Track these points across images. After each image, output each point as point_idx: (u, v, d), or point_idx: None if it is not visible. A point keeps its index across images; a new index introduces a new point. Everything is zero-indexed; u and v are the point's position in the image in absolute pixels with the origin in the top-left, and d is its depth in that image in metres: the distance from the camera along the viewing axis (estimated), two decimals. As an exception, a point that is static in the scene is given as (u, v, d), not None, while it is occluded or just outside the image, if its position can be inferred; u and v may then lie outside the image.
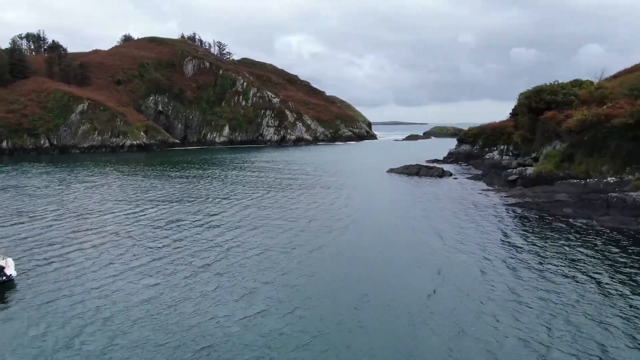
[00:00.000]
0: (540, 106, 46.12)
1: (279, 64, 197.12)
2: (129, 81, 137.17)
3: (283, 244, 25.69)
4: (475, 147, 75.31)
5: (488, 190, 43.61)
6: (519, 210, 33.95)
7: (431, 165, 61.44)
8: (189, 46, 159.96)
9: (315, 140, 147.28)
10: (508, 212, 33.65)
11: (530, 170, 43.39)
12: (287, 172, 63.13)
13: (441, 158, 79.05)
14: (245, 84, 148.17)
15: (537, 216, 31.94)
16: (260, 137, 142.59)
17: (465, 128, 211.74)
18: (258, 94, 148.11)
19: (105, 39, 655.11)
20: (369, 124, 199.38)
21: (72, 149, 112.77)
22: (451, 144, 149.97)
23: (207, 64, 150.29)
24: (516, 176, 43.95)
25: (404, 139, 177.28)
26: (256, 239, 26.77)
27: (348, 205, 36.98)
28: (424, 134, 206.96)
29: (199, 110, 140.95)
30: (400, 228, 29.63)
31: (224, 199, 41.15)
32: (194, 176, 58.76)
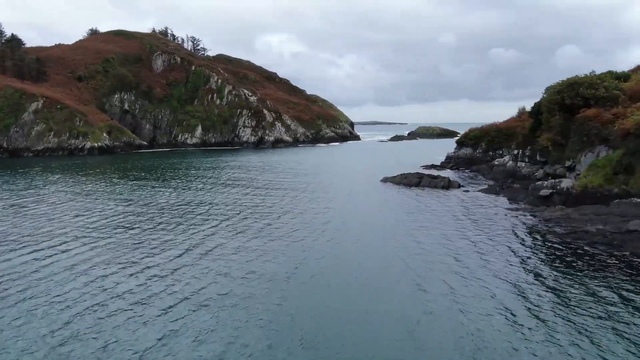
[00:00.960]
0: (576, 103, 37.10)
1: (259, 63, 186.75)
2: (92, 77, 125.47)
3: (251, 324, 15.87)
4: (477, 151, 66.40)
5: (516, 210, 34.32)
6: (578, 246, 24.64)
7: (434, 174, 52.05)
8: (158, 40, 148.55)
9: (296, 142, 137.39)
10: (565, 250, 24.30)
11: (568, 184, 34.26)
12: (261, 183, 53.25)
13: (438, 163, 69.98)
14: (219, 81, 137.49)
15: (614, 258, 22.58)
16: (236, 139, 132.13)
17: (448, 128, 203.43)
18: (234, 92, 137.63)
19: (78, 37, 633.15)
20: (352, 124, 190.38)
21: (24, 152, 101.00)
22: (440, 145, 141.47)
23: (178, 59, 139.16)
24: (550, 191, 34.75)
25: (389, 140, 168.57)
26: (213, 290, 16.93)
27: (341, 241, 27.25)
28: (409, 134, 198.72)
29: (169, 109, 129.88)
30: (420, 278, 20.07)
31: (178, 226, 31.11)
32: (152, 189, 48.46)
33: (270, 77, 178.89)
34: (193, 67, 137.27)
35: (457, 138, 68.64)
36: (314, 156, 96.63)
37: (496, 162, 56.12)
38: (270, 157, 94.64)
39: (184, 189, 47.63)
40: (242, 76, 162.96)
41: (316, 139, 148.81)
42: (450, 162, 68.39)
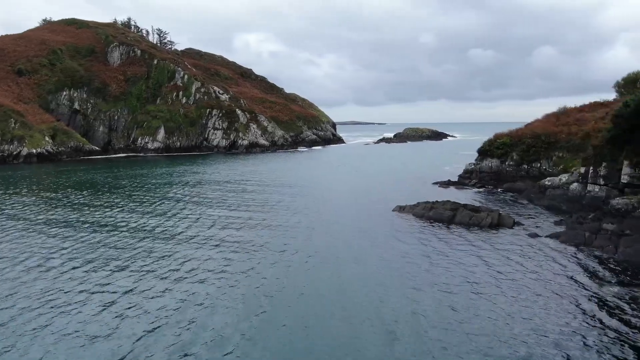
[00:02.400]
0: None
1: (237, 62, 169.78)
2: (35, 71, 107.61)
3: None
4: (507, 163, 51.73)
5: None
6: None
7: (461, 197, 37.04)
8: (116, 30, 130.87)
9: (273, 146, 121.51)
10: None
11: None
12: (220, 221, 37.57)
13: (455, 177, 55.22)
14: (186, 76, 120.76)
15: None
16: (204, 142, 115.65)
17: (428, 128, 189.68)
18: (202, 90, 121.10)
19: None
20: (334, 125, 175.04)
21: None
22: (439, 150, 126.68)
23: (138, 52, 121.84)
24: None
25: (376, 143, 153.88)
26: None
27: None
28: (396, 136, 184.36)
29: (127, 108, 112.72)
30: None
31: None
32: (79, 225, 32.35)
33: (245, 74, 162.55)
34: (155, 61, 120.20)
35: (480, 147, 54.11)
36: (294, 166, 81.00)
37: (547, 182, 41.32)
38: (242, 166, 78.68)
39: (108, 232, 31.64)
40: (213, 72, 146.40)
41: (296, 142, 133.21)
42: (471, 176, 53.58)
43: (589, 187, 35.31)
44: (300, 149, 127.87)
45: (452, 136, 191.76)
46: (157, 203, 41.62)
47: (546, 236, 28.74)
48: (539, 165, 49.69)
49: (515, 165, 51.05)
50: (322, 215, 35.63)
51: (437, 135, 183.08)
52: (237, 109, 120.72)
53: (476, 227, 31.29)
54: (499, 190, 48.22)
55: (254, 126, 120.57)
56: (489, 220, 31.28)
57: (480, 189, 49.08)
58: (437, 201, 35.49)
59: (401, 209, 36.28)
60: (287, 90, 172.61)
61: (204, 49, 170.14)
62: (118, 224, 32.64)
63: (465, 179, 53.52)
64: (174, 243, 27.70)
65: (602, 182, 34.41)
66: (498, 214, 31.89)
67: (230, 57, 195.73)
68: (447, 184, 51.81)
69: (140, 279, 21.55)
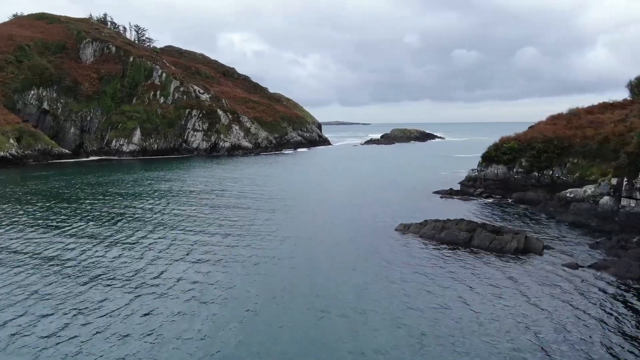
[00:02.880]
0: None
1: (221, 61, 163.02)
2: (0, 69, 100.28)
3: None
4: (515, 170, 46.83)
5: None
6: None
7: (487, 223, 32.00)
8: (89, 26, 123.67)
9: (257, 148, 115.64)
10: None
11: None
12: (196, 236, 31.99)
13: (457, 185, 50.20)
14: (164, 75, 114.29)
15: None
16: (184, 145, 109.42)
17: (415, 129, 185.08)
18: (182, 89, 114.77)
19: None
20: (319, 126, 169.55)
21: None
22: (432, 152, 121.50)
23: (113, 49, 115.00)
24: None
25: (363, 144, 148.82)
26: None
27: None
28: (383, 137, 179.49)
29: (100, 109, 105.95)
30: None
31: None
32: (12, 259, 26.41)
33: (227, 73, 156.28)
34: (132, 59, 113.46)
35: (485, 152, 49.18)
36: (279, 171, 75.40)
37: (569, 194, 36.36)
38: (222, 171, 72.81)
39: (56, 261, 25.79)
40: (194, 71, 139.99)
41: (281, 144, 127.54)
42: (475, 184, 48.57)
43: (624, 202, 30.39)
44: (285, 151, 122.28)
45: (439, 137, 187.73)
46: (121, 223, 35.73)
47: (589, 267, 23.65)
48: (551, 172, 44.87)
49: (524, 173, 46.15)
50: (316, 239, 30.13)
51: (425, 137, 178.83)
52: (218, 110, 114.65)
53: (499, 253, 26.13)
54: (509, 201, 43.29)
55: (236, 127, 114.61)
56: (514, 245, 26.13)
57: (488, 200, 44.07)
58: (448, 220, 30.23)
59: (405, 227, 30.97)
60: (272, 90, 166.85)
61: (186, 48, 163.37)
62: (64, 260, 26.59)
63: (468, 188, 48.49)
64: (128, 291, 21.85)
65: (639, 195, 29.51)
66: (525, 236, 26.72)
67: (214, 57, 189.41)
68: (449, 193, 46.73)
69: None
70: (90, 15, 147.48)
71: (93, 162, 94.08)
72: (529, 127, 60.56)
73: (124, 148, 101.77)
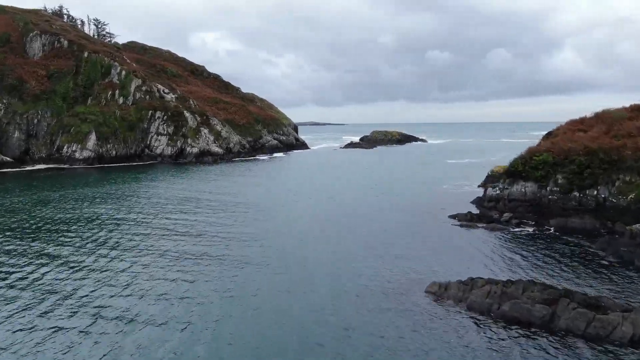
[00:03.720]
0: None
1: (194, 61, 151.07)
2: None
3: None
4: (549, 189, 37.74)
5: None
6: None
7: (575, 290, 22.47)
8: (39, 17, 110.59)
9: (228, 153, 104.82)
10: None
11: None
12: (138, 304, 21.61)
13: (469, 205, 40.97)
14: (123, 72, 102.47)
15: None
16: (146, 150, 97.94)
17: (397, 131, 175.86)
18: (144, 88, 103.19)
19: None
20: (296, 128, 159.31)
21: None
22: (414, 155, 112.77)
23: (65, 43, 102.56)
24: None
25: (343, 148, 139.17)
26: None
27: None
28: (363, 139, 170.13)
29: (49, 110, 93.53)
30: None
31: None
32: None
33: (196, 71, 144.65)
34: (86, 54, 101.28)
35: (509, 165, 40.15)
36: (253, 187, 65.13)
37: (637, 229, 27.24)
38: (187, 185, 62.06)
39: None
40: (159, 69, 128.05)
41: (255, 149, 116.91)
42: (498, 206, 39.34)
43: None
44: (260, 156, 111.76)
45: (421, 139, 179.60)
46: (47, 271, 25.09)
47: None
48: (595, 192, 35.91)
49: (561, 193, 37.10)
50: (309, 320, 20.17)
51: (406, 139, 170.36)
52: (185, 111, 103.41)
53: (602, 342, 16.67)
54: (550, 230, 34.07)
55: (206, 131, 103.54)
56: (627, 331, 16.66)
57: (521, 229, 34.71)
58: (509, 281, 20.60)
59: (441, 289, 21.26)
60: (245, 90, 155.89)
61: (157, 47, 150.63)
62: None
63: (489, 210, 39.25)
64: None
65: None
66: (642, 317, 17.25)
67: (187, 56, 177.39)
68: (468, 219, 37.32)
69: None
70: (45, 7, 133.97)
71: (40, 171, 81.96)
72: (547, 135, 52.01)
73: (77, 155, 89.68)
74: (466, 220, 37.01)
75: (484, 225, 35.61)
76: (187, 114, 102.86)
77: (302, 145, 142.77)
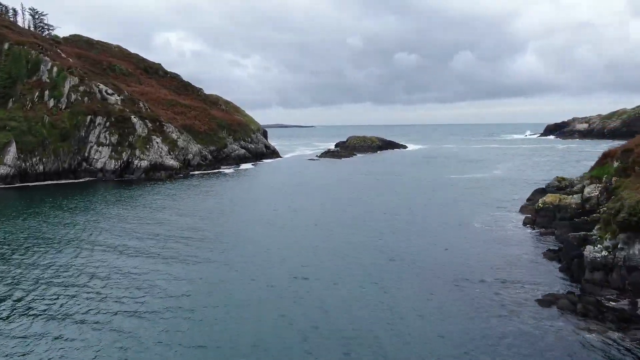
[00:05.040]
0: None
1: (159, 62, 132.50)
2: None
3: None
4: None
5: None
6: None
7: None
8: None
9: (186, 167, 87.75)
10: None
11: None
12: None
13: (554, 271, 25.70)
14: (55, 69, 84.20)
15: None
16: (84, 164, 79.99)
17: (377, 137, 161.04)
18: (82, 88, 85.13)
19: None
20: (265, 133, 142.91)
21: None
22: (402, 166, 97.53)
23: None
24: None
25: (320, 157, 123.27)
26: None
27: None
28: (340, 145, 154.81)
29: (-43, 115, 74.66)
30: None
31: None
32: None
33: (150, 69, 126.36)
34: (7, 45, 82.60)
35: (623, 215, 25.57)
36: (211, 222, 48.70)
37: None
38: (123, 221, 44.85)
39: None
40: (106, 66, 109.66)
41: (218, 160, 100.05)
42: (610, 278, 24.17)
43: None
44: (225, 168, 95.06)
45: (402, 146, 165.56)
46: None
47: None
48: None
49: None
50: None
51: (387, 145, 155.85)
52: (132, 116, 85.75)
53: None
54: None
55: (158, 140, 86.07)
56: None
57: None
58: None
59: None
60: (210, 92, 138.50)
61: (106, 41, 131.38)
62: None
63: (596, 286, 24.05)
64: None
65: None
66: None
67: (151, 57, 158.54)
68: (580, 312, 21.83)
69: None
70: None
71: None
72: (623, 153, 37.46)
73: (-8, 171, 71.14)
74: (571, 310, 21.59)
75: (614, 326, 20.20)
76: (135, 120, 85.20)
77: (273, 154, 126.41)
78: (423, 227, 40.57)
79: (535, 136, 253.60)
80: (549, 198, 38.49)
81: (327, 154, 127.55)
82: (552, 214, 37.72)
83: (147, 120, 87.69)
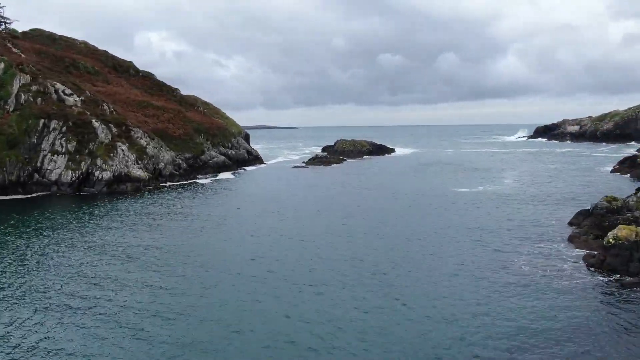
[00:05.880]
0: None
1: (138, 62, 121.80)
2: None
3: None
4: None
5: None
6: None
7: None
8: None
9: (156, 179, 77.08)
10: None
11: None
12: None
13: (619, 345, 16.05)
14: (2, 65, 72.95)
15: None
16: (36, 176, 68.87)
17: (366, 140, 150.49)
18: (35, 87, 74.03)
19: None
20: (247, 137, 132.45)
21: None
22: (401, 176, 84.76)
23: None
24: None
25: (307, 164, 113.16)
26: None
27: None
28: (327, 150, 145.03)
29: None
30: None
31: None
32: None
33: (119, 67, 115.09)
34: (-56, 38, 71.19)
35: None
36: (182, 235, 38.47)
37: None
38: (80, 243, 34.37)
39: None
40: (68, 63, 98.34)
41: (195, 168, 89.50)
42: None
43: None
44: (201, 178, 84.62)
45: (391, 149, 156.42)
46: None
47: None
48: None
49: None
50: None
51: (378, 150, 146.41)
52: (94, 120, 74.80)
53: None
54: None
55: (124, 147, 75.19)
56: None
57: None
58: None
59: None
60: (191, 92, 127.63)
61: (101, 48, 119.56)
62: None
63: None
64: None
65: None
66: None
67: (133, 59, 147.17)
68: None
69: None
70: None
71: None
72: None
73: None
74: None
75: None
76: (96, 124, 74.25)
77: (256, 160, 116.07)
78: (455, 273, 30.87)
79: (525, 138, 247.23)
80: (623, 232, 29.10)
81: (315, 160, 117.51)
82: (629, 253, 28.38)
83: (111, 125, 76.78)
